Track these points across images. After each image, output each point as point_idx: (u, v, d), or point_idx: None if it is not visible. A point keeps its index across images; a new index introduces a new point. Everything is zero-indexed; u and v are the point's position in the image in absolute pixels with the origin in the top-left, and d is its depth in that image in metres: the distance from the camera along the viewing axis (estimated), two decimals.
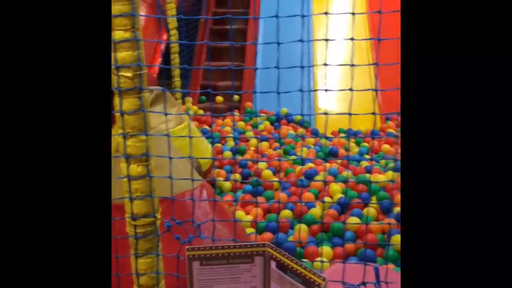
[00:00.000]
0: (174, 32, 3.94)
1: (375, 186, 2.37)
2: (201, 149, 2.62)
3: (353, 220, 2.11)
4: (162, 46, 3.89)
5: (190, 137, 1.22)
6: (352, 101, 1.26)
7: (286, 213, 2.27)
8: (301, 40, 1.28)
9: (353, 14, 1.26)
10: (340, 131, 3.73)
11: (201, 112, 4.10)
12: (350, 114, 1.27)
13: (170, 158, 1.23)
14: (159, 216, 1.14)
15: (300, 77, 1.35)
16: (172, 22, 3.89)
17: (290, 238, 2.08)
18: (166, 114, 1.14)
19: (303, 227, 2.13)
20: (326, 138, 3.27)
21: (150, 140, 1.17)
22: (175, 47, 3.95)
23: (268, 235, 2.06)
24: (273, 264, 0.78)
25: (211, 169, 2.78)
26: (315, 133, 3.69)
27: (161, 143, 1.42)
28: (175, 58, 4.03)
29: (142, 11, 3.82)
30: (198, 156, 2.54)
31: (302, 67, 1.21)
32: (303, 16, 1.27)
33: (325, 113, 1.34)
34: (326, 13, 1.15)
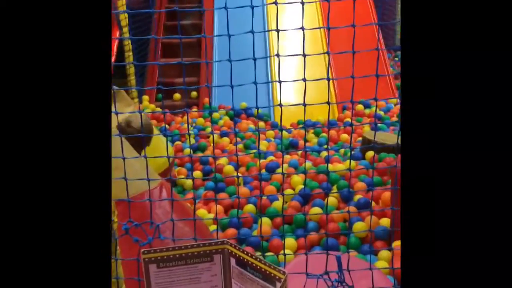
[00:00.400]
0: (126, 29, 3.85)
1: (334, 176, 2.40)
2: (160, 148, 2.57)
3: (315, 210, 2.13)
4: (115, 44, 3.79)
5: (143, 136, 1.18)
6: (308, 92, 1.28)
7: (249, 207, 2.26)
8: (251, 32, 1.28)
9: (302, 3, 1.26)
10: (299, 122, 3.76)
11: (158, 110, 4.02)
12: (304, 104, 1.27)
13: (124, 159, 1.19)
14: (115, 219, 1.11)
15: (257, 71, 1.35)
16: (124, 20, 3.80)
17: (254, 233, 2.07)
18: (117, 114, 1.10)
19: (266, 220, 2.13)
20: (282, 130, 3.29)
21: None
22: (128, 45, 3.85)
23: (231, 231, 2.06)
24: (232, 261, 0.77)
25: (171, 168, 2.74)
26: (274, 126, 3.70)
27: (116, 144, 1.37)
28: (129, 57, 3.95)
29: None
30: (158, 155, 2.48)
31: (254, 59, 1.20)
32: (253, 7, 1.27)
33: (280, 105, 1.33)
34: (275, 3, 1.14)
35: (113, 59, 3.73)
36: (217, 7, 4.69)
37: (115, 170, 1.48)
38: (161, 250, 0.78)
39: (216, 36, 2.19)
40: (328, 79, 1.23)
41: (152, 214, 1.59)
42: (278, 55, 1.19)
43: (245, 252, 0.74)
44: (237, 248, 0.76)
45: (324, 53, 1.38)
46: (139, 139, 1.91)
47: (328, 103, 1.24)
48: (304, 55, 1.20)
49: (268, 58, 4.32)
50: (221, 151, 3.15)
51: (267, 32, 4.45)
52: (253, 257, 0.73)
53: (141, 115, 1.23)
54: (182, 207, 1.76)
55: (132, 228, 1.12)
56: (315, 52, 4.33)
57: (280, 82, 1.22)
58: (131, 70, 3.93)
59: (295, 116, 3.80)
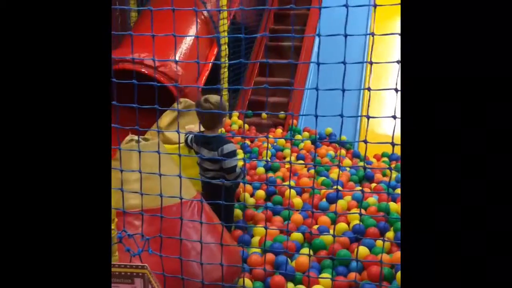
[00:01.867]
0: (224, 47, 4.04)
1: (395, 215, 2.23)
2: None
3: (362, 250, 2.00)
4: (212, 59, 3.97)
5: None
6: (395, 125, 1.32)
7: (297, 235, 2.20)
8: (343, 62, 1.32)
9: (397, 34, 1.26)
10: (384, 155, 3.57)
11: (246, 126, 4.12)
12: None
13: (141, 173, 1.25)
14: (113, 227, 1.17)
15: (348, 96, 1.38)
16: (224, 38, 3.99)
17: (293, 263, 2.01)
18: (159, 131, 1.16)
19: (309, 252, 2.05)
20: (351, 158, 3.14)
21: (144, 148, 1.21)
22: (225, 61, 4.03)
23: (270, 256, 2.02)
24: None
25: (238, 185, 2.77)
26: (356, 156, 3.56)
27: (151, 155, 1.45)
28: (225, 72, 4.12)
29: (196, 27, 3.95)
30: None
31: (343, 89, 1.27)
32: (346, 36, 1.34)
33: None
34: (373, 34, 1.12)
35: (207, 73, 3.93)
36: (319, 30, 4.69)
37: (149, 179, 1.56)
38: None
39: (312, 62, 2.26)
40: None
41: (178, 228, 1.63)
42: (369, 89, 1.19)
43: (156, 284, 0.73)
44: (152, 276, 0.75)
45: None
46: (214, 115, 2.05)
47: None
48: (396, 90, 1.23)
49: (362, 85, 4.20)
50: (292, 174, 3.12)
51: (365, 59, 4.33)
52: None
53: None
54: (214, 225, 1.77)
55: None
56: None
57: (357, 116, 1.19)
58: (225, 85, 4.09)
59: (381, 148, 3.62)
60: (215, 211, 1.89)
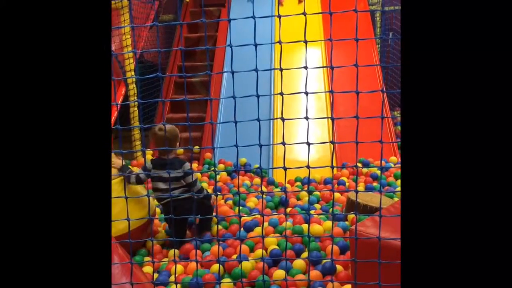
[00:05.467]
0: (132, 86, 4.02)
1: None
2: (143, 203, 2.57)
3: (278, 273, 2.07)
4: (120, 100, 3.93)
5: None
6: (309, 150, 1.47)
7: (216, 267, 2.22)
8: (256, 95, 1.43)
9: (305, 67, 1.36)
10: (297, 179, 3.73)
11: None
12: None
13: None
14: None
15: (260, 126, 1.46)
16: (130, 75, 3.97)
17: None
18: None
19: (228, 282, 2.08)
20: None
21: None
22: (134, 102, 4.01)
23: None
24: None
25: (148, 226, 2.71)
26: (271, 183, 3.68)
27: None
28: (135, 111, 4.09)
29: None
30: (134, 210, 2.51)
31: (259, 120, 1.39)
32: (257, 71, 1.42)
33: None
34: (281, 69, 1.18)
35: (115, 114, 3.87)
36: (227, 65, 4.85)
37: None
38: None
39: (223, 98, 2.40)
40: (333, 142, 1.35)
41: None
42: (282, 119, 1.28)
43: None
44: None
45: (328, 91, 1.46)
46: (170, 141, 2.46)
47: (331, 166, 1.31)
48: (307, 118, 1.42)
49: (272, 115, 4.38)
50: None
51: (272, 91, 4.54)
52: None
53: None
54: (127, 266, 1.74)
55: None
56: (319, 112, 4.36)
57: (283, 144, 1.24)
58: (136, 123, 4.05)
59: (293, 173, 3.78)
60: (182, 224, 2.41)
